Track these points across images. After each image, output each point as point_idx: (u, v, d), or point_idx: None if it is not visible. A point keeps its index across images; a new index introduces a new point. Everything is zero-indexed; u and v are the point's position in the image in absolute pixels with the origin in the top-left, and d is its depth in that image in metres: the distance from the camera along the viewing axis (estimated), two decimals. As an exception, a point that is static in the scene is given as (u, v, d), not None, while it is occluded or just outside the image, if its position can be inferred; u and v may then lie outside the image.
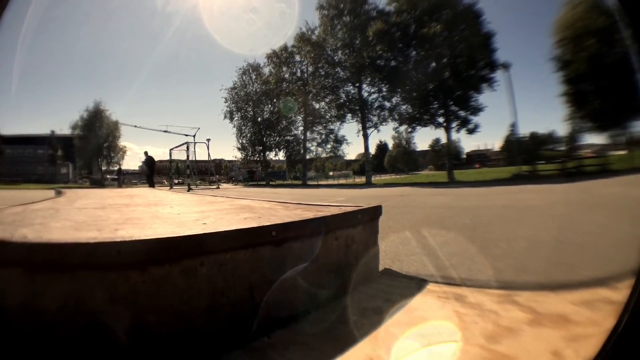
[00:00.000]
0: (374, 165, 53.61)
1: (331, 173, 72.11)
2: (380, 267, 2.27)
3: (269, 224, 1.54)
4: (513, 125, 44.83)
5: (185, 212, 2.24)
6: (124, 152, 63.36)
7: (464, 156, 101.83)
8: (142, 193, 6.26)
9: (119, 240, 1.20)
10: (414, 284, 1.82)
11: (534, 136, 63.14)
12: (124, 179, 56.48)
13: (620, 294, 1.60)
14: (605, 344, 1.18)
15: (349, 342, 1.33)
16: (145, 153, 25.43)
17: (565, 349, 1.28)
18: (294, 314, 1.50)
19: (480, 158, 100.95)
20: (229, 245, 1.36)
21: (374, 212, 2.08)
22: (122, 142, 63.28)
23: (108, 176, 62.38)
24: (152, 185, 24.37)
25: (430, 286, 1.81)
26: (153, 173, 26.69)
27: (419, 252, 4.16)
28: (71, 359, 1.13)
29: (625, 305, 1.20)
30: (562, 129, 37.72)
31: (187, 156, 37.18)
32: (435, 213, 7.93)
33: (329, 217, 1.77)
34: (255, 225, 1.50)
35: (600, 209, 7.49)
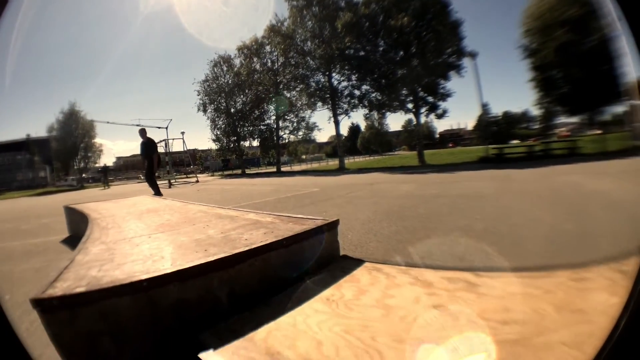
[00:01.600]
0: (347, 148, 53.73)
1: (304, 157, 72.21)
2: (342, 253, 3.50)
3: (281, 237, 2.86)
4: (485, 105, 45.75)
5: (226, 230, 3.46)
6: (101, 150, 63.55)
7: (437, 136, 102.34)
8: (154, 206, 7.14)
9: (225, 255, 2.49)
10: (357, 263, 3.02)
11: (507, 115, 63.96)
12: (100, 177, 56.35)
13: (479, 279, 2.41)
14: (605, 344, 1.30)
15: (322, 288, 2.53)
16: (142, 133, 14.66)
17: (420, 296, 2.27)
18: (297, 280, 2.75)
19: (453, 137, 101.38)
20: (267, 250, 2.67)
21: (334, 224, 3.33)
22: (97, 140, 63.32)
23: (84, 175, 62.12)
24: (154, 187, 14.46)
25: (366, 264, 2.98)
26: (155, 168, 14.92)
27: (374, 240, 5.53)
28: (203, 316, 2.25)
29: (625, 305, 1.32)
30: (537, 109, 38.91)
31: (166, 153, 37.90)
32: (398, 204, 9.12)
33: (309, 230, 3.07)
34: (275, 240, 2.80)
35: (546, 200, 8.42)
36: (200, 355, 1.83)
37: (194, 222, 4.38)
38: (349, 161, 51.57)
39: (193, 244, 3.11)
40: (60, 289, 2.14)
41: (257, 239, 2.94)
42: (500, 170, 18.01)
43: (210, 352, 1.83)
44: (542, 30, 31.40)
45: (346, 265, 3.09)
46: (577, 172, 13.99)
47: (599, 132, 32.30)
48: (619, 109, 30.65)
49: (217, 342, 1.93)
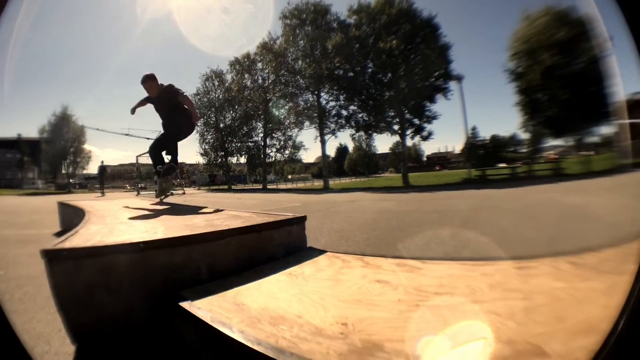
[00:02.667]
0: (334, 169, 53.71)
1: (290, 177, 72.07)
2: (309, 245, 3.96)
3: (254, 224, 3.32)
4: (474, 129, 46.26)
5: (210, 219, 3.91)
6: (89, 157, 62.88)
7: (425, 159, 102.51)
8: (144, 204, 7.53)
9: (206, 231, 2.95)
10: (320, 252, 3.42)
11: (494, 139, 64.23)
12: (87, 183, 55.71)
13: (424, 264, 2.80)
14: (605, 344, 1.29)
15: (287, 267, 2.93)
16: (150, 79, 7.86)
17: (367, 275, 2.66)
18: (267, 261, 3.16)
19: (440, 160, 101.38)
20: (242, 232, 3.09)
21: (302, 218, 3.78)
22: (87, 146, 62.57)
23: (71, 180, 61.51)
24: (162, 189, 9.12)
25: (328, 253, 3.39)
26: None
27: (344, 244, 5.95)
28: (186, 278, 2.68)
29: (624, 304, 1.31)
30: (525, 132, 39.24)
31: None
32: (374, 217, 9.48)
33: (279, 220, 3.51)
34: (249, 224, 3.24)
35: (516, 214, 8.96)
36: (181, 304, 2.25)
37: (182, 214, 4.86)
38: (335, 182, 51.77)
39: (182, 226, 3.59)
40: (69, 245, 2.62)
41: (235, 225, 3.40)
42: (480, 190, 18.51)
43: (189, 302, 2.26)
44: (529, 54, 31.94)
45: (311, 253, 3.51)
46: (555, 190, 14.61)
47: (588, 153, 32.66)
48: (608, 129, 31.11)
49: (195, 296, 2.35)
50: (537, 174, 26.99)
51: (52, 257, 2.43)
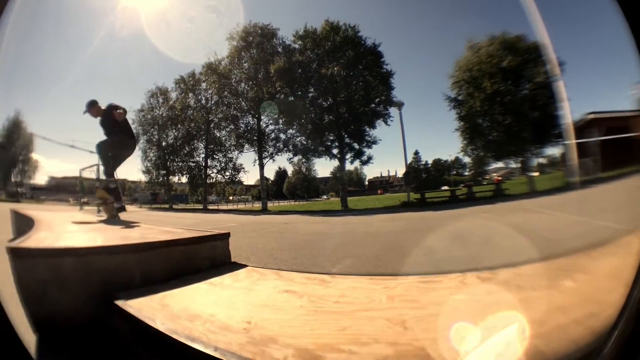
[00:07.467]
0: (273, 192, 53.61)
1: (231, 198, 71.62)
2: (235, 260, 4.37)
3: (181, 238, 3.79)
4: (417, 153, 47.07)
5: (144, 234, 4.34)
6: (36, 166, 60.57)
7: (367, 183, 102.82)
8: (88, 218, 7.87)
9: (137, 242, 3.43)
10: (242, 266, 3.80)
11: (437, 163, 65.06)
12: (32, 194, 53.74)
13: (332, 278, 3.18)
14: (606, 343, 1.33)
15: (210, 277, 3.28)
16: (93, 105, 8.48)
17: (279, 285, 3.28)
18: (193, 271, 3.53)
19: (383, 184, 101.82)
20: (169, 246, 3.50)
21: (226, 235, 4.19)
22: (34, 155, 60.39)
23: (19, 189, 59.15)
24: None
25: (248, 267, 3.77)
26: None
27: (272, 261, 6.37)
28: (121, 282, 3.04)
29: (624, 304, 1.37)
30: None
31: (97, 179, 36.66)
32: (305, 238, 9.90)
33: (204, 236, 3.94)
34: (177, 238, 3.65)
35: (444, 235, 9.07)
36: (116, 302, 2.68)
37: (120, 228, 5.31)
38: (273, 204, 51.73)
39: (119, 237, 4.04)
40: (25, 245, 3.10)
41: (165, 239, 3.85)
42: (417, 213, 19.00)
43: (122, 300, 2.69)
44: (470, 82, 32.56)
45: (233, 267, 3.93)
46: (490, 211, 15.47)
47: (533, 174, 33.52)
48: (554, 150, 32.42)
49: (128, 297, 2.77)
50: (478, 195, 27.60)
51: (15, 254, 2.89)
